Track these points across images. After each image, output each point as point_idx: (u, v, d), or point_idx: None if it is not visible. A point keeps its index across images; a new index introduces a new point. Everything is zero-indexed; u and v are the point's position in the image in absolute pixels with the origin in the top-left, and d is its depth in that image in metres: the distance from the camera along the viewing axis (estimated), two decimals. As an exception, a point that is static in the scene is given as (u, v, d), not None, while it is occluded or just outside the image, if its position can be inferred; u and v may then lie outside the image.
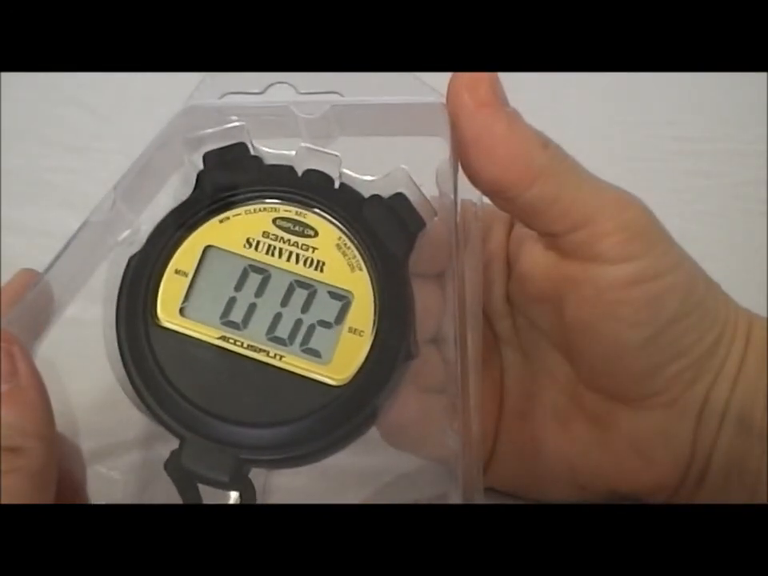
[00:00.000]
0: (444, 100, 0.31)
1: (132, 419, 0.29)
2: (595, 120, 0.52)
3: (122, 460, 0.35)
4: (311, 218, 0.30)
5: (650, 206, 0.32)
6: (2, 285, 0.30)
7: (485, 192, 0.31)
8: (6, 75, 0.52)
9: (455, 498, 0.29)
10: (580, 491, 0.34)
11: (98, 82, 0.53)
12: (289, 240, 0.30)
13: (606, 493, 0.34)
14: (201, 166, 0.31)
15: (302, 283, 0.29)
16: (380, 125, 0.32)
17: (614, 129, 0.52)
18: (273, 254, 0.29)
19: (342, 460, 0.29)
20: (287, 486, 0.35)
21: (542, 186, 0.30)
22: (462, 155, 0.30)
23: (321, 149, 0.31)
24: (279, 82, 0.31)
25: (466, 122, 0.30)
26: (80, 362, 0.32)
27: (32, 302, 0.29)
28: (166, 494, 0.28)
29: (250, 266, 0.29)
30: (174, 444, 0.28)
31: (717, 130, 0.52)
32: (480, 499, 0.29)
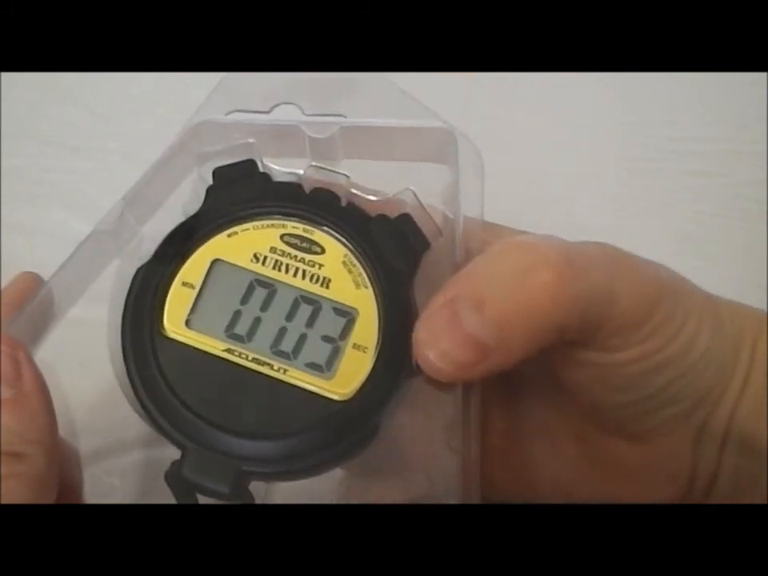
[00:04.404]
0: (449, 126, 0.31)
1: (132, 420, 0.29)
2: (595, 120, 0.52)
3: (122, 463, 0.36)
4: (318, 235, 0.30)
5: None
6: (3, 286, 0.30)
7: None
8: (5, 75, 0.51)
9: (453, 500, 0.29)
10: None
11: (98, 81, 0.53)
12: (296, 256, 0.30)
13: None
14: (210, 181, 0.31)
15: (308, 299, 0.30)
16: (387, 148, 0.32)
17: (613, 129, 0.52)
18: (279, 270, 0.30)
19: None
20: (287, 486, 0.35)
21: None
22: None
23: (329, 168, 0.31)
24: (285, 103, 0.32)
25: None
26: (80, 362, 0.32)
27: (34, 308, 0.29)
28: (165, 501, 0.28)
29: (257, 280, 0.30)
30: (174, 446, 0.28)
31: (717, 130, 0.52)
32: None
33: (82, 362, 0.32)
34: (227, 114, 0.32)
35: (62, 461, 0.29)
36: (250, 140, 0.32)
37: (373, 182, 0.32)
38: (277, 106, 0.32)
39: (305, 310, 0.29)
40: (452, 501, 0.29)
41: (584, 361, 0.29)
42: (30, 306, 0.29)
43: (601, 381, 0.30)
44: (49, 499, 0.27)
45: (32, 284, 0.30)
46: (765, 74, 0.51)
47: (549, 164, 0.49)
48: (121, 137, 0.51)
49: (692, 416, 0.31)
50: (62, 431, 0.29)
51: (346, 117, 0.31)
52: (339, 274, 0.30)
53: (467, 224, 0.30)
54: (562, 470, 0.33)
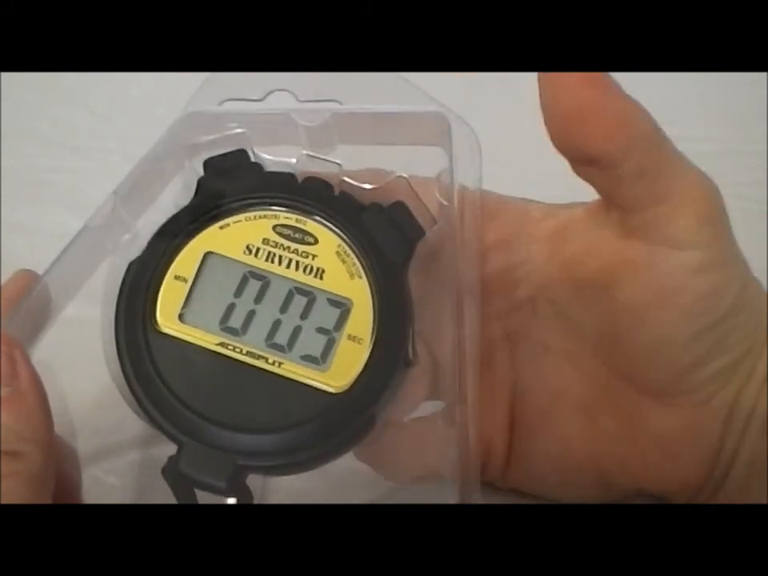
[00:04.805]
0: (443, 110, 0.31)
1: (130, 419, 0.29)
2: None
3: (120, 462, 0.35)
4: (311, 226, 0.30)
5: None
6: (1, 285, 0.30)
7: (579, 163, 0.31)
8: (5, 75, 0.52)
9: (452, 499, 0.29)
10: (605, 491, 0.34)
11: (98, 81, 0.53)
12: (289, 247, 0.30)
13: (631, 491, 0.34)
14: (201, 173, 0.31)
15: (302, 290, 0.29)
16: (380, 134, 0.32)
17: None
18: (272, 261, 0.30)
19: (341, 461, 0.29)
20: (286, 487, 0.35)
21: (639, 158, 0.30)
22: (558, 128, 0.30)
23: (322, 156, 0.31)
24: (279, 90, 0.31)
25: (570, 95, 0.30)
26: (78, 361, 0.32)
27: (30, 306, 0.29)
28: (164, 499, 0.28)
29: (250, 272, 0.29)
30: (172, 446, 0.28)
31: (717, 130, 0.52)
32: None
33: (79, 361, 0.32)
34: (220, 103, 0.32)
35: (60, 460, 0.29)
36: (242, 130, 0.32)
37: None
38: (271, 93, 0.32)
39: (299, 302, 0.29)
40: (449, 490, 0.29)
41: (645, 261, 0.30)
42: (26, 303, 0.29)
43: (667, 297, 0.30)
44: (46, 498, 0.27)
45: (29, 281, 0.30)
46: (765, 74, 0.51)
47: (549, 164, 0.49)
48: (121, 137, 0.51)
49: (732, 378, 0.31)
50: (61, 431, 0.29)
51: (341, 103, 0.31)
52: (333, 264, 0.30)
53: (467, 210, 0.30)
54: (594, 441, 0.33)
